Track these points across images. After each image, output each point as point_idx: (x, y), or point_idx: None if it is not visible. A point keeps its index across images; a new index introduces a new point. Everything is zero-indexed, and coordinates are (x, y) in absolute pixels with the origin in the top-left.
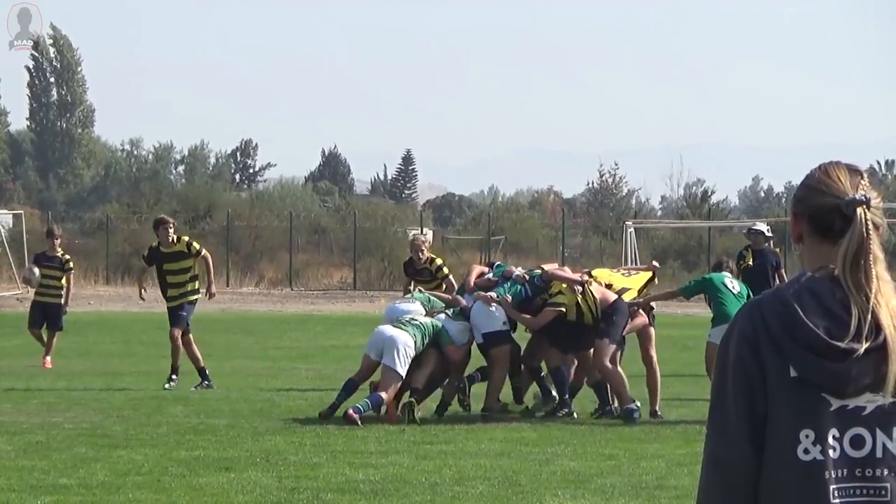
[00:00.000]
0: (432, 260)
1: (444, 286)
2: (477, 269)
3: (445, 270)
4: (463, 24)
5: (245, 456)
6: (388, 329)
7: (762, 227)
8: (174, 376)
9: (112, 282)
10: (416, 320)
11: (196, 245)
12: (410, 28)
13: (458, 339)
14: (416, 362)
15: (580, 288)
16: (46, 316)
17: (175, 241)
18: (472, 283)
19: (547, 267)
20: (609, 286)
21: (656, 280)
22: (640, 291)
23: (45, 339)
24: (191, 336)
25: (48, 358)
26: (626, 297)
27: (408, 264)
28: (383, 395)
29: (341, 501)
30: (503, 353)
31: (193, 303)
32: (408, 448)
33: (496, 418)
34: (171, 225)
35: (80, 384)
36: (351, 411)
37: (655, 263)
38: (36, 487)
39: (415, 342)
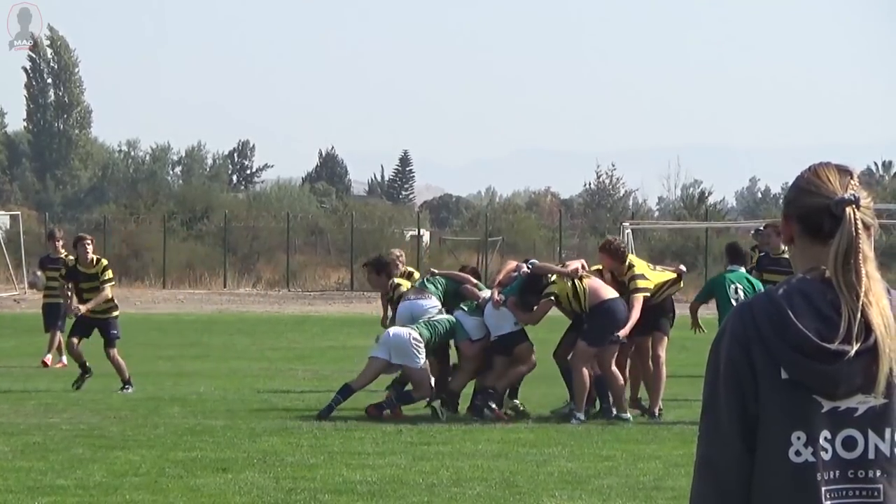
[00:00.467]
0: (410, 274)
1: None
2: (510, 264)
3: None
4: (460, 25)
5: (242, 457)
6: (392, 329)
7: None
8: (128, 387)
9: None
10: (432, 320)
11: (108, 275)
12: (408, 29)
13: (474, 334)
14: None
15: (569, 280)
16: (57, 317)
17: (94, 262)
18: (498, 280)
19: (573, 265)
20: (630, 266)
21: (682, 284)
22: (659, 288)
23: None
24: (76, 340)
25: (49, 356)
26: (641, 284)
27: None
28: (415, 395)
29: (338, 502)
30: (525, 350)
31: (117, 317)
32: (405, 449)
33: (493, 417)
34: (90, 242)
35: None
36: (374, 408)
37: (682, 268)
38: (33, 488)
39: (420, 333)
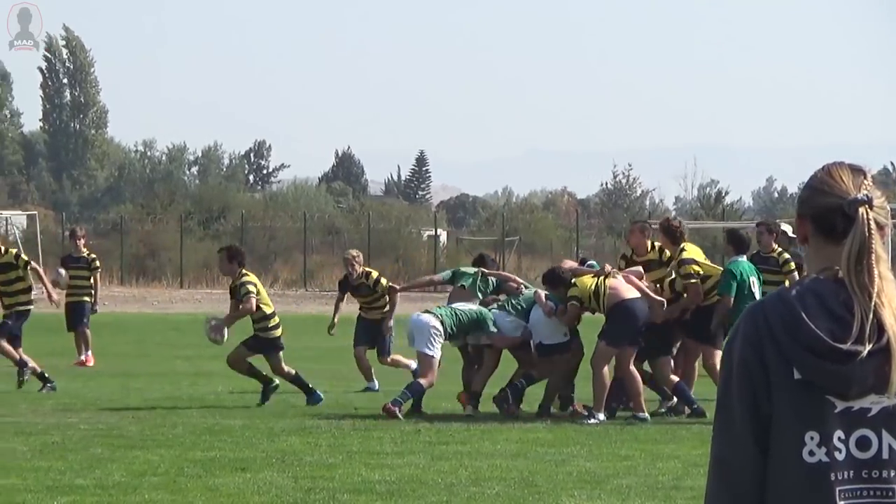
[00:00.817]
0: (368, 274)
1: (388, 298)
2: (567, 264)
3: (384, 282)
4: (476, 23)
5: (261, 456)
6: (414, 315)
7: (786, 227)
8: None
9: (126, 283)
10: (457, 308)
11: (24, 258)
12: (423, 27)
13: (510, 334)
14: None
15: (594, 278)
16: (81, 315)
17: (2, 252)
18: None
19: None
20: (682, 250)
21: None
22: (715, 285)
23: (76, 339)
24: (14, 344)
25: (89, 353)
26: (692, 269)
27: (343, 281)
28: (423, 381)
29: (357, 502)
30: (563, 360)
31: (23, 314)
32: (423, 448)
33: (522, 417)
34: None
35: (96, 385)
36: (390, 405)
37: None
38: (52, 488)
39: (442, 322)
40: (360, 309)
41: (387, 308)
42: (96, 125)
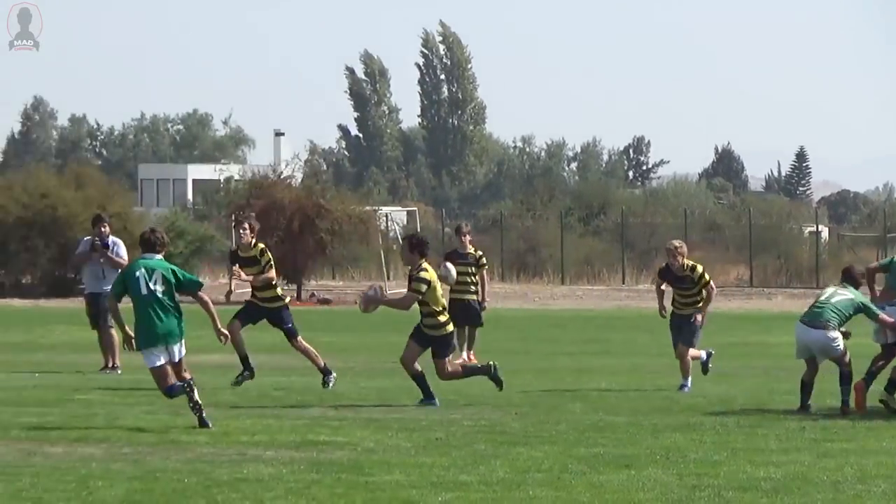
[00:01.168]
0: (693, 267)
1: (704, 293)
2: None
3: (707, 277)
4: (848, 20)
5: (645, 453)
6: (800, 329)
7: None
8: (330, 376)
9: (507, 279)
10: (834, 304)
11: (267, 257)
12: (804, 24)
13: None
14: None
15: None
16: (467, 313)
17: (252, 245)
18: None
19: None
20: None
21: None
22: None
23: (459, 336)
24: (240, 324)
25: (471, 353)
26: None
27: (665, 271)
28: (847, 369)
29: (742, 499)
30: None
31: (287, 306)
32: (808, 446)
33: None
34: (247, 226)
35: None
36: (845, 406)
37: None
38: (436, 484)
39: (833, 326)
40: (672, 304)
41: (700, 303)
42: (474, 121)
